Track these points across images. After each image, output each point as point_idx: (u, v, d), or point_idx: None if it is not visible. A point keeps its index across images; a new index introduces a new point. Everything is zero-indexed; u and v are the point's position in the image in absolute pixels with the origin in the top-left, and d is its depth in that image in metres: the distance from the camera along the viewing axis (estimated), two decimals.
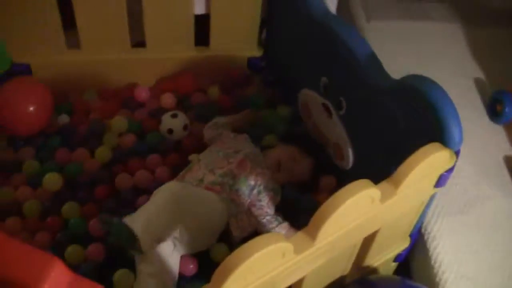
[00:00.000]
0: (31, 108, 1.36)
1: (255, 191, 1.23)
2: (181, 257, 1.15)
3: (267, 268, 0.78)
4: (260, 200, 1.23)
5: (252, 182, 1.23)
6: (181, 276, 1.14)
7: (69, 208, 1.25)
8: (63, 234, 1.21)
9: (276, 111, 1.48)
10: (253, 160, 1.28)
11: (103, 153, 1.37)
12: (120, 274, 1.13)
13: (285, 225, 1.20)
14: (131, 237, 1.07)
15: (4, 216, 1.25)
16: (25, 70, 1.46)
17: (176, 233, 1.11)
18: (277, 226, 1.19)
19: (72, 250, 1.17)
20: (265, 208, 1.22)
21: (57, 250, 1.18)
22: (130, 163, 1.35)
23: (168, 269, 1.09)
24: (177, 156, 1.38)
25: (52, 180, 1.29)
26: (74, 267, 1.15)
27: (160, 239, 1.09)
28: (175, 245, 1.11)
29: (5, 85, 1.37)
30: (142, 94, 1.50)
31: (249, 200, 1.22)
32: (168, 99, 1.49)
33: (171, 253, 1.10)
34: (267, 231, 1.18)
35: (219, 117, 1.41)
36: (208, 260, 1.17)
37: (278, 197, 1.26)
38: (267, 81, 1.56)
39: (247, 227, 1.21)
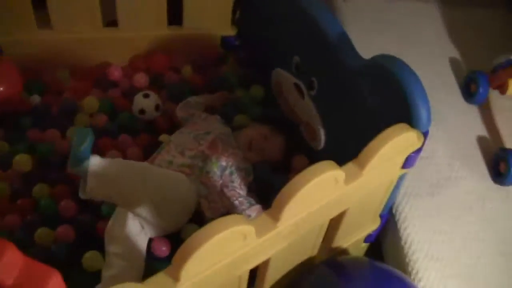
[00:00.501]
0: (0, 88, 1.34)
1: (227, 172, 1.22)
2: (154, 239, 1.15)
3: (228, 250, 0.78)
4: (232, 181, 1.22)
5: (224, 163, 1.22)
6: (154, 257, 1.14)
7: (39, 189, 1.23)
8: (33, 215, 1.20)
9: (250, 91, 1.46)
10: (224, 140, 1.27)
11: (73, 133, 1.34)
12: (89, 256, 1.12)
13: (257, 207, 1.18)
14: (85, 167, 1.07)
15: None
16: None
17: (144, 214, 1.10)
18: (248, 208, 1.17)
19: (42, 231, 1.15)
20: (237, 189, 1.21)
21: (27, 231, 1.16)
22: (100, 143, 1.33)
23: (136, 250, 1.09)
24: (149, 137, 1.37)
25: (22, 161, 1.26)
26: (45, 249, 1.15)
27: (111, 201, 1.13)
28: (143, 227, 1.11)
29: None
30: (115, 73, 1.48)
31: (221, 181, 1.21)
32: (140, 78, 1.47)
33: (139, 234, 1.10)
34: (239, 213, 1.18)
35: (192, 97, 1.40)
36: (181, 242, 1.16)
37: (250, 177, 1.26)
38: (240, 60, 1.54)
39: (219, 208, 1.20)
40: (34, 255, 1.12)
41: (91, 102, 1.41)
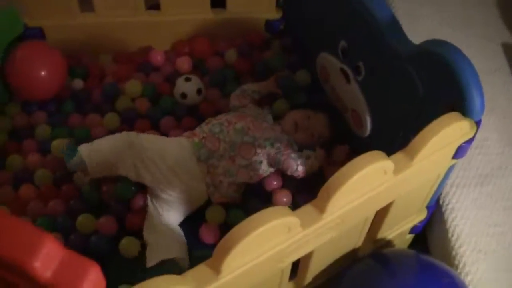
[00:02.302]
0: (45, 73, 1.34)
1: (260, 142, 1.21)
2: (202, 225, 1.17)
3: (272, 243, 0.76)
4: (278, 149, 1.22)
5: (250, 132, 1.22)
6: (203, 244, 1.16)
7: (80, 175, 1.23)
8: (76, 202, 1.20)
9: (295, 76, 1.42)
10: (260, 119, 1.27)
11: (112, 119, 1.34)
12: (126, 242, 1.13)
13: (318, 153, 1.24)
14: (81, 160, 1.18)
15: (18, 183, 1.24)
16: (38, 34, 1.43)
17: (148, 180, 1.16)
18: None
19: (83, 219, 1.16)
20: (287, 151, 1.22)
21: (71, 218, 1.17)
22: (142, 126, 1.33)
23: (167, 234, 1.13)
24: (192, 121, 1.35)
25: (60, 146, 1.26)
26: (86, 236, 1.15)
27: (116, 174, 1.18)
28: (161, 209, 1.16)
29: (18, 49, 1.34)
30: (157, 57, 1.47)
31: (238, 147, 1.20)
32: (184, 63, 1.45)
33: (161, 216, 1.16)
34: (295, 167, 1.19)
35: (247, 85, 1.37)
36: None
37: (295, 147, 1.26)
38: (285, 45, 1.51)
39: (219, 175, 1.19)
40: (75, 242, 1.13)
41: (133, 86, 1.40)
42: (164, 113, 1.36)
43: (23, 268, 0.60)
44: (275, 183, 1.20)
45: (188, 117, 1.37)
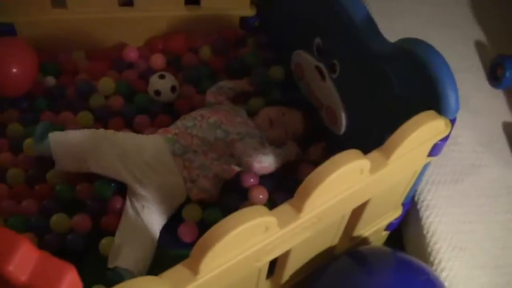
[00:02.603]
0: (15, 69, 1.32)
1: (233, 137, 1.21)
2: (181, 224, 1.16)
3: (250, 242, 0.75)
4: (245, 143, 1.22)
5: (223, 126, 1.22)
6: (182, 243, 1.15)
7: (54, 174, 1.21)
8: (50, 201, 1.18)
9: (269, 72, 1.42)
10: (234, 114, 1.27)
11: (85, 116, 1.33)
12: (106, 241, 1.12)
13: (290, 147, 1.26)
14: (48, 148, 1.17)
15: None
16: (9, 30, 1.41)
17: (123, 177, 1.16)
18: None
19: (57, 218, 1.14)
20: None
21: (44, 218, 1.15)
22: (115, 124, 1.32)
23: (135, 240, 1.11)
24: (168, 118, 1.34)
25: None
26: (61, 236, 1.13)
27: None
28: (141, 208, 1.14)
29: None
30: (131, 54, 1.45)
31: (211, 141, 1.20)
32: (157, 59, 1.44)
33: (138, 215, 1.13)
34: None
35: (224, 82, 1.37)
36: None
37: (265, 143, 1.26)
38: (260, 42, 1.50)
39: (195, 168, 1.18)
40: (50, 242, 1.12)
41: (107, 83, 1.39)
42: (138, 110, 1.35)
43: None
44: (252, 180, 1.20)
45: (162, 114, 1.35)
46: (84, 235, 1.14)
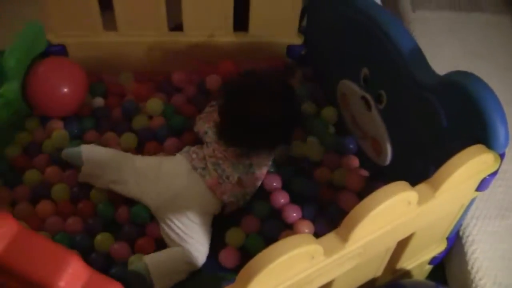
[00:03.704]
0: (66, 90, 1.34)
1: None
2: (222, 250, 1.17)
3: (295, 270, 0.75)
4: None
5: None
6: (222, 268, 1.17)
7: (96, 193, 1.24)
8: (94, 220, 1.20)
9: (321, 114, 1.41)
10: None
11: (128, 138, 1.35)
12: (135, 259, 1.14)
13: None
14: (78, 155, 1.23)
15: (35, 199, 1.24)
16: (60, 51, 1.44)
17: (150, 201, 1.19)
18: None
19: (101, 238, 1.16)
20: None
21: (89, 236, 1.18)
22: (147, 145, 1.35)
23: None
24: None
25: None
26: (104, 255, 1.15)
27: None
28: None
29: (40, 65, 1.35)
30: (179, 78, 1.48)
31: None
32: (213, 80, 1.46)
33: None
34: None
35: None
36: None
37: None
38: (307, 74, 1.50)
39: (216, 178, 1.19)
40: (95, 261, 1.13)
41: (155, 104, 1.41)
42: (174, 131, 1.38)
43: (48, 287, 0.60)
44: (294, 214, 1.20)
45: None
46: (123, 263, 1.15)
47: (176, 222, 1.15)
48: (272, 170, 1.29)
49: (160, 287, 1.10)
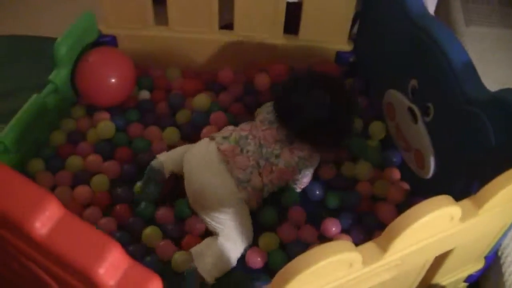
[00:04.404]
0: (114, 80, 1.36)
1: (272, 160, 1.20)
2: (249, 250, 1.16)
3: (332, 277, 0.74)
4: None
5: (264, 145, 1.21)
6: (248, 269, 1.15)
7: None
8: (135, 219, 1.21)
9: (369, 130, 1.39)
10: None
11: (171, 132, 1.36)
12: (179, 257, 1.14)
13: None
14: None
15: (75, 185, 1.26)
16: (111, 41, 1.46)
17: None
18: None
19: (150, 231, 1.18)
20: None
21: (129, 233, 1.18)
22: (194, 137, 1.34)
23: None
24: None
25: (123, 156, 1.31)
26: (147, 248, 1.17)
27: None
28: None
29: (91, 54, 1.37)
30: (226, 76, 1.48)
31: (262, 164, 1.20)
32: (263, 79, 1.46)
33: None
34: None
35: None
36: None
37: None
38: (357, 87, 1.48)
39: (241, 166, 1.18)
40: (134, 253, 1.14)
41: (202, 100, 1.42)
42: None
43: (88, 273, 0.60)
44: (334, 229, 1.19)
45: None
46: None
47: (206, 212, 1.16)
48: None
49: (207, 276, 1.10)
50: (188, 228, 1.19)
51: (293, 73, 1.36)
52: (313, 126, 1.21)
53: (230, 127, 1.24)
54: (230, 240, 1.13)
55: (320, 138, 1.24)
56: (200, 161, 1.19)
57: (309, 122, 1.21)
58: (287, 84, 1.27)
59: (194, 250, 1.12)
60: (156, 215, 1.20)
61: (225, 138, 1.20)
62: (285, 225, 1.20)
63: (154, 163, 1.21)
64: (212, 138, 1.21)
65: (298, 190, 1.26)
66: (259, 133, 1.21)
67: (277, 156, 1.20)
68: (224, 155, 1.17)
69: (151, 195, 1.21)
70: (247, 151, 1.18)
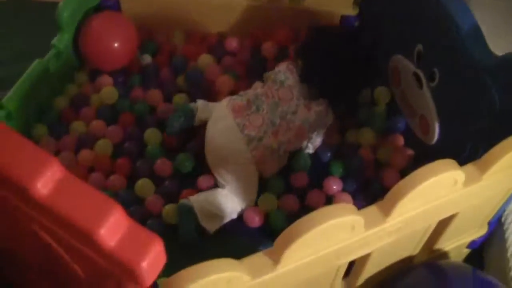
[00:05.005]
0: (117, 44, 1.35)
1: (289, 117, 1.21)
2: (247, 209, 1.16)
3: (334, 239, 0.75)
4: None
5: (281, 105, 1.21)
6: (243, 230, 1.15)
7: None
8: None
9: (374, 95, 1.37)
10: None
11: (179, 98, 1.35)
12: (169, 208, 1.16)
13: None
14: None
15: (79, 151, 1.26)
16: (114, 5, 1.44)
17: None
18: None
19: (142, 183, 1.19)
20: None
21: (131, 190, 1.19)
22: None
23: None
24: None
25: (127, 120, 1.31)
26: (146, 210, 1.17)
27: None
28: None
29: (93, 19, 1.36)
30: (232, 44, 1.46)
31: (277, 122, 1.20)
32: (270, 47, 1.45)
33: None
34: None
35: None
36: None
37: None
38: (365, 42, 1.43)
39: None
40: (135, 213, 1.14)
41: (207, 59, 1.42)
42: None
43: (88, 233, 0.61)
44: (335, 187, 1.19)
45: None
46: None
47: (213, 166, 1.19)
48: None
49: (205, 223, 1.12)
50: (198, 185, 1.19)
51: (312, 31, 1.37)
52: (339, 80, 1.26)
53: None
54: (231, 195, 1.15)
55: (343, 91, 1.28)
56: (215, 117, 1.20)
57: (338, 76, 1.25)
58: (309, 43, 1.31)
59: (193, 198, 1.13)
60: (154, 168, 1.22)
61: (240, 96, 1.22)
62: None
63: (192, 104, 1.26)
64: (227, 96, 1.24)
65: (311, 151, 1.25)
66: (273, 92, 1.21)
67: (293, 113, 1.20)
68: (237, 111, 1.18)
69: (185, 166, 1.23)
70: (262, 110, 1.19)
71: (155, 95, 1.35)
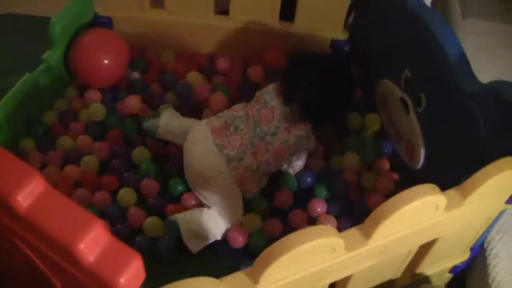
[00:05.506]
0: (108, 61, 1.35)
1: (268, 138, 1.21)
2: (230, 228, 1.17)
3: (314, 261, 0.75)
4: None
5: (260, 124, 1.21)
6: (227, 251, 1.16)
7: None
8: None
9: (364, 121, 1.38)
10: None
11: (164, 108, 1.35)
12: (151, 221, 1.17)
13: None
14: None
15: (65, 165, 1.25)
16: (107, 23, 1.45)
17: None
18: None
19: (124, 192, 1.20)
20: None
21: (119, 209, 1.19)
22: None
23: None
24: None
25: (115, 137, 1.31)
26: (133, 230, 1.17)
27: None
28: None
29: (85, 35, 1.36)
30: (223, 64, 1.47)
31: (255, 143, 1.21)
32: (255, 71, 1.46)
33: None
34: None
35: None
36: None
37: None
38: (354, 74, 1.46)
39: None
40: (122, 232, 1.14)
41: (195, 77, 1.43)
42: None
43: (68, 248, 0.61)
44: (319, 209, 1.20)
45: None
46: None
47: (196, 188, 1.20)
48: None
49: (189, 243, 1.13)
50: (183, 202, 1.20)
51: (296, 54, 1.39)
52: (322, 103, 1.26)
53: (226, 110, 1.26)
54: (218, 216, 1.15)
55: (326, 113, 1.29)
56: (193, 138, 1.21)
57: (320, 99, 1.26)
58: (294, 64, 1.32)
59: (179, 215, 1.13)
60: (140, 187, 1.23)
61: (219, 117, 1.22)
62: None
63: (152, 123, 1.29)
64: (205, 119, 1.24)
65: (292, 173, 1.26)
66: (254, 112, 1.21)
67: (273, 135, 1.20)
68: (216, 132, 1.18)
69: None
70: (241, 130, 1.19)
71: (134, 102, 1.36)
